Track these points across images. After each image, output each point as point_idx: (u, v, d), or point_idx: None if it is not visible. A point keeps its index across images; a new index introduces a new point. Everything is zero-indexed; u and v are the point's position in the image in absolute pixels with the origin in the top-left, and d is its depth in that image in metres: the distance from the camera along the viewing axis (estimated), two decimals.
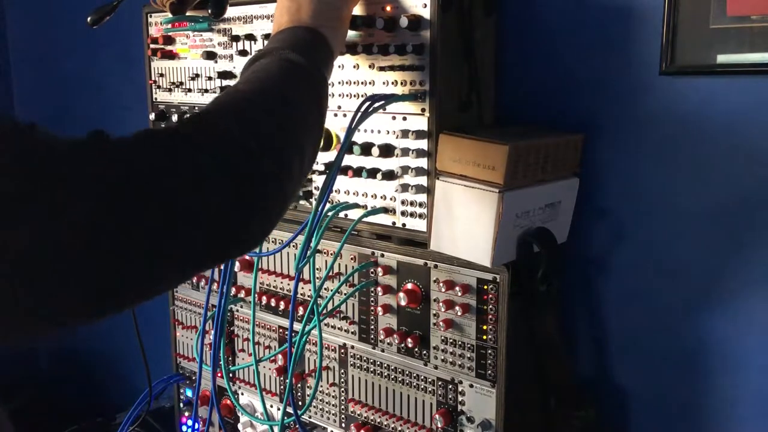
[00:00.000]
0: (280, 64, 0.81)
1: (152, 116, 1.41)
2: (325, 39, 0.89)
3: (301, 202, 1.20)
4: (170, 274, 0.66)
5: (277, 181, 0.71)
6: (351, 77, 1.09)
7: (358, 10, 1.04)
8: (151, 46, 1.38)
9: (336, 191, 1.14)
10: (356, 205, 1.12)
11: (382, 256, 1.12)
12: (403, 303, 1.09)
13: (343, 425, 1.23)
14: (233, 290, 1.32)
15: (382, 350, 1.15)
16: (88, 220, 0.56)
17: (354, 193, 1.12)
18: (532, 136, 1.03)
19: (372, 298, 1.15)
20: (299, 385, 1.28)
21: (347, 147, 1.06)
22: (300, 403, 1.27)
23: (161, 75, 1.39)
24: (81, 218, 0.56)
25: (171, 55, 1.36)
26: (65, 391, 2.42)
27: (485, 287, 1.02)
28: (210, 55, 1.27)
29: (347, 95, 1.10)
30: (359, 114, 1.01)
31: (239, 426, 1.40)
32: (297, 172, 0.76)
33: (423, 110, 1.02)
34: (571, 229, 1.12)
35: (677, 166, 1.07)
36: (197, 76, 1.32)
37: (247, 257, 1.27)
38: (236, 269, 1.29)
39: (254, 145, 0.70)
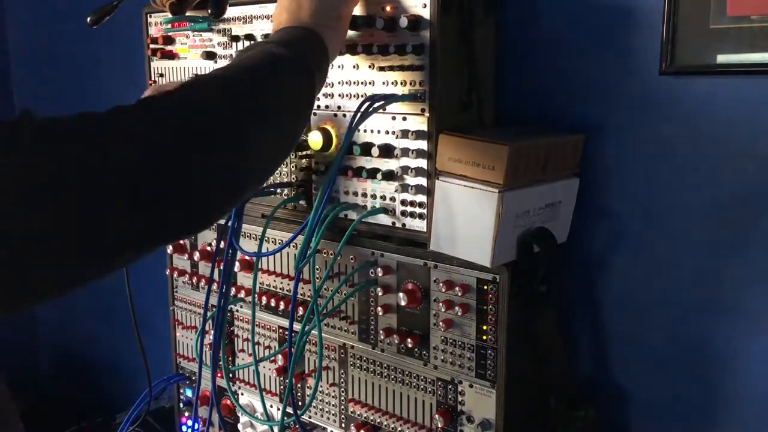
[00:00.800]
0: (263, 55, 0.81)
1: None
2: (321, 39, 0.89)
3: (301, 202, 1.20)
4: (102, 259, 0.65)
5: (227, 164, 0.71)
6: (351, 77, 1.09)
7: (358, 10, 1.04)
8: (151, 46, 1.38)
9: (336, 191, 1.14)
10: (356, 205, 1.12)
11: (382, 256, 1.12)
12: (403, 303, 1.09)
13: (343, 425, 1.23)
14: (233, 290, 1.32)
15: (382, 350, 1.15)
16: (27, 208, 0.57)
17: (354, 193, 1.12)
18: (532, 136, 1.03)
19: (372, 298, 1.15)
20: (299, 385, 1.28)
21: (347, 147, 1.06)
22: (300, 403, 1.27)
23: (161, 75, 1.39)
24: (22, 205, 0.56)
25: (171, 55, 1.36)
26: (65, 391, 2.42)
27: (485, 287, 1.02)
28: (210, 55, 1.27)
29: (347, 95, 1.10)
30: (359, 114, 1.01)
31: (239, 426, 1.40)
32: (254, 157, 0.75)
33: (423, 110, 1.02)
34: (571, 229, 1.12)
35: (677, 166, 1.07)
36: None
37: (246, 257, 1.27)
38: (236, 269, 1.28)
39: (205, 128, 0.69)
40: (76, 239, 0.60)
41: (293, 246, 1.21)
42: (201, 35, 1.29)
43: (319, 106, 1.14)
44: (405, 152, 1.04)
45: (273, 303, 1.27)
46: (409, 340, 1.10)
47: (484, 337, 1.03)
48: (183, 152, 0.66)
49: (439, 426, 1.08)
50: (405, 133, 1.04)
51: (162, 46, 1.37)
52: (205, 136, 0.69)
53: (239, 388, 1.39)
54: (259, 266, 1.27)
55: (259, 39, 1.19)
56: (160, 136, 0.65)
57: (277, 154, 0.81)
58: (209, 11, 1.16)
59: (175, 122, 0.67)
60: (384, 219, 1.10)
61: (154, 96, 0.71)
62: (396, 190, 1.07)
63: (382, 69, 1.05)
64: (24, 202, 0.57)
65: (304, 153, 1.17)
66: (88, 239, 0.61)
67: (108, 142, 0.62)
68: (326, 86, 1.12)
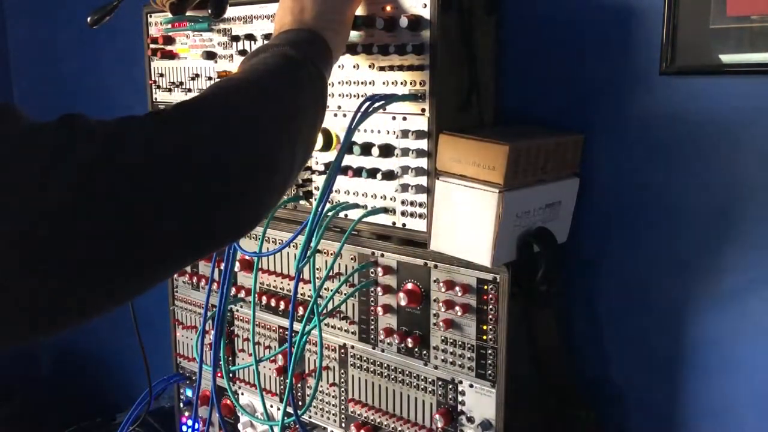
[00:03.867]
0: (277, 58, 0.82)
1: None
2: (325, 41, 0.89)
3: (301, 202, 1.20)
4: (148, 274, 0.65)
5: (265, 170, 0.71)
6: (351, 77, 1.09)
7: (358, 11, 1.04)
8: (151, 46, 1.38)
9: (336, 191, 1.14)
10: (356, 205, 1.12)
11: (382, 256, 1.12)
12: (403, 303, 1.09)
13: (343, 425, 1.23)
14: (233, 290, 1.32)
15: (382, 350, 1.15)
16: (61, 212, 0.55)
17: (354, 193, 1.12)
18: (532, 136, 1.03)
19: (372, 298, 1.15)
20: (299, 385, 1.28)
21: (347, 147, 1.06)
22: (300, 403, 1.27)
23: (161, 75, 1.39)
24: (54, 208, 0.55)
25: (171, 55, 1.36)
26: (65, 391, 2.42)
27: (485, 287, 1.02)
28: (210, 55, 1.27)
29: (347, 95, 1.10)
30: (359, 114, 1.01)
31: (239, 426, 1.40)
32: (287, 161, 0.76)
33: (423, 110, 1.02)
34: (571, 229, 1.12)
35: (677, 166, 1.07)
36: (197, 76, 1.33)
37: (247, 257, 1.27)
38: (236, 269, 1.29)
39: (242, 133, 0.70)
40: (135, 239, 0.60)
41: (293, 246, 1.21)
42: (201, 35, 1.29)
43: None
44: (405, 152, 1.04)
45: (273, 303, 1.27)
46: (409, 340, 1.10)
47: (484, 337, 1.03)
48: (221, 155, 0.67)
49: (439, 426, 1.08)
50: (405, 133, 1.04)
51: (162, 46, 1.37)
52: (239, 142, 0.69)
53: (239, 388, 1.39)
54: (259, 266, 1.27)
55: (259, 39, 1.19)
56: (196, 141, 0.66)
57: (301, 156, 0.81)
58: (209, 11, 1.16)
59: (210, 129, 0.67)
60: (384, 219, 1.10)
61: (183, 102, 0.70)
62: (396, 190, 1.07)
63: (382, 69, 1.05)
64: (83, 202, 0.56)
65: None
66: (143, 242, 0.61)
67: (150, 146, 0.62)
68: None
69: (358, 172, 1.09)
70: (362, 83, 1.08)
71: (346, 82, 1.10)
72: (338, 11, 0.94)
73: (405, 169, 1.04)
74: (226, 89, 0.75)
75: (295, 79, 0.81)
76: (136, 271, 0.62)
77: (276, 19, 0.93)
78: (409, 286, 1.10)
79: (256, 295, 1.26)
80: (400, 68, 1.02)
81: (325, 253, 1.19)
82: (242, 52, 1.22)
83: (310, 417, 1.27)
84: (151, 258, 0.63)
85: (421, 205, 1.05)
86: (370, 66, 1.06)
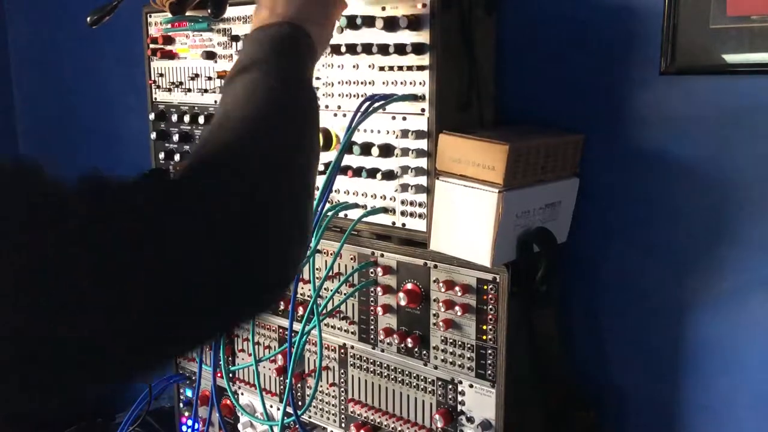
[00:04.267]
0: (266, 80, 0.76)
1: (152, 116, 1.41)
2: (309, 37, 0.85)
3: None
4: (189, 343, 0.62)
5: (295, 219, 0.69)
6: (351, 77, 1.09)
7: (358, 10, 1.04)
8: (151, 46, 1.38)
9: (336, 191, 1.14)
10: (356, 205, 1.12)
11: (382, 256, 1.12)
12: (403, 303, 1.09)
13: (343, 425, 1.23)
14: None
15: (382, 350, 1.15)
16: (90, 279, 0.53)
17: (354, 193, 1.12)
18: (532, 136, 1.03)
19: (372, 298, 1.15)
20: (299, 385, 1.28)
21: (347, 147, 1.06)
22: (300, 403, 1.27)
23: (161, 75, 1.39)
24: (82, 276, 0.53)
25: (171, 55, 1.36)
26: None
27: (485, 287, 1.02)
28: (210, 55, 1.28)
29: (347, 95, 1.10)
30: (359, 114, 1.01)
31: (239, 426, 1.40)
32: (306, 200, 0.73)
33: (423, 110, 1.02)
34: (571, 229, 1.12)
35: (677, 166, 1.07)
36: (197, 76, 1.33)
37: None
38: None
39: (266, 187, 0.67)
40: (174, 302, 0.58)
41: None
42: (201, 35, 1.29)
43: (318, 106, 1.14)
44: (405, 152, 1.04)
45: None
46: (409, 340, 1.10)
47: (484, 337, 1.03)
48: (247, 214, 0.64)
49: (439, 426, 1.08)
50: (405, 133, 1.04)
51: (162, 46, 1.37)
52: (254, 190, 0.66)
53: (239, 388, 1.39)
54: None
55: None
56: (215, 207, 0.62)
57: (313, 183, 0.79)
58: (209, 11, 1.16)
59: (225, 185, 0.64)
60: (384, 219, 1.10)
61: (190, 164, 0.67)
62: (396, 190, 1.07)
63: (382, 69, 1.05)
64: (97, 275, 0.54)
65: None
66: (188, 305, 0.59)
67: (169, 222, 0.59)
68: (326, 86, 1.12)
69: (357, 172, 1.09)
70: (362, 83, 1.08)
71: (346, 82, 1.10)
72: (323, 6, 0.89)
73: (405, 169, 1.04)
74: (227, 135, 0.70)
75: (289, 105, 0.77)
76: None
77: (255, 10, 0.87)
78: (409, 286, 1.09)
79: None
80: (400, 68, 1.02)
81: (325, 253, 1.19)
82: None
83: (309, 417, 1.27)
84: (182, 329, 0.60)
85: (420, 205, 1.05)
86: (370, 66, 1.06)
